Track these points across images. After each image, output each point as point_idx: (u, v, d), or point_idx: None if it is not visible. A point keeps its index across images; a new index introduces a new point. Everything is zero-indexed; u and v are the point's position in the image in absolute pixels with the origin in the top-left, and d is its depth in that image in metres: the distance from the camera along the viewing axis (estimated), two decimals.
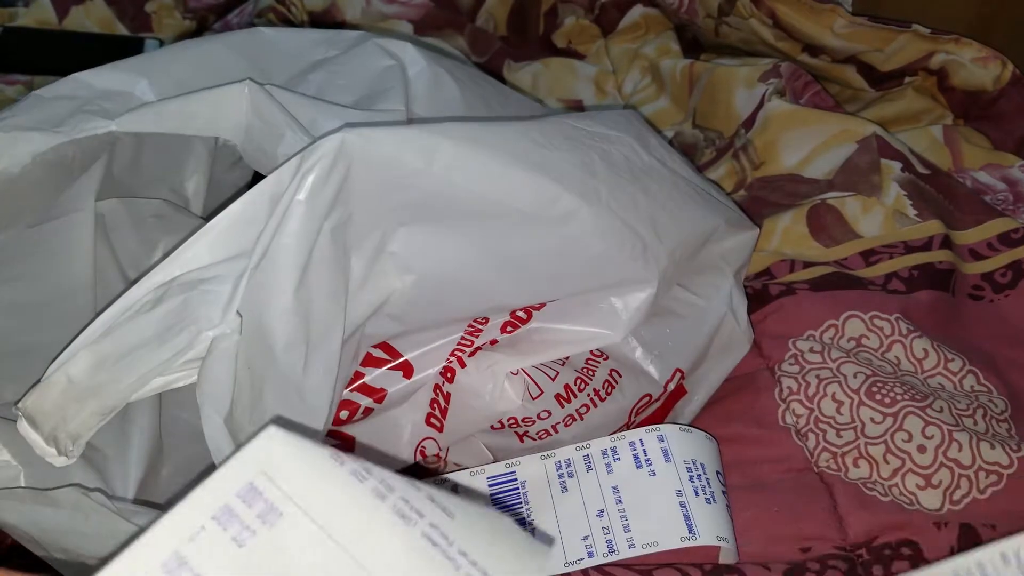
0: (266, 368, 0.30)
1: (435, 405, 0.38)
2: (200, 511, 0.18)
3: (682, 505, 0.36)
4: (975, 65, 0.57)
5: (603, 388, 0.39)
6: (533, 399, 0.38)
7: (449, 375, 0.37)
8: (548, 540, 0.36)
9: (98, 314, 0.30)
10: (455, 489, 0.37)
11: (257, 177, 0.37)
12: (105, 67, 0.37)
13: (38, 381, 0.30)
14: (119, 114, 0.35)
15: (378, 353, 0.38)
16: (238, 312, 0.29)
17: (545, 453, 0.38)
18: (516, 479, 0.38)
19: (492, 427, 0.39)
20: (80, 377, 0.30)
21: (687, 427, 0.39)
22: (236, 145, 0.36)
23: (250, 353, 0.30)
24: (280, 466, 0.19)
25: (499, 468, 0.38)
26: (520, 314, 0.38)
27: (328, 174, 0.30)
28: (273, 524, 0.18)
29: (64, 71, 0.37)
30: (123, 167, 0.43)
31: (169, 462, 0.39)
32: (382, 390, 0.38)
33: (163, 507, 0.38)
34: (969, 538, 0.37)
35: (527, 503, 0.37)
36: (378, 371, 0.38)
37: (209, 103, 0.35)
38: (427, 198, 0.32)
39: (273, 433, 0.19)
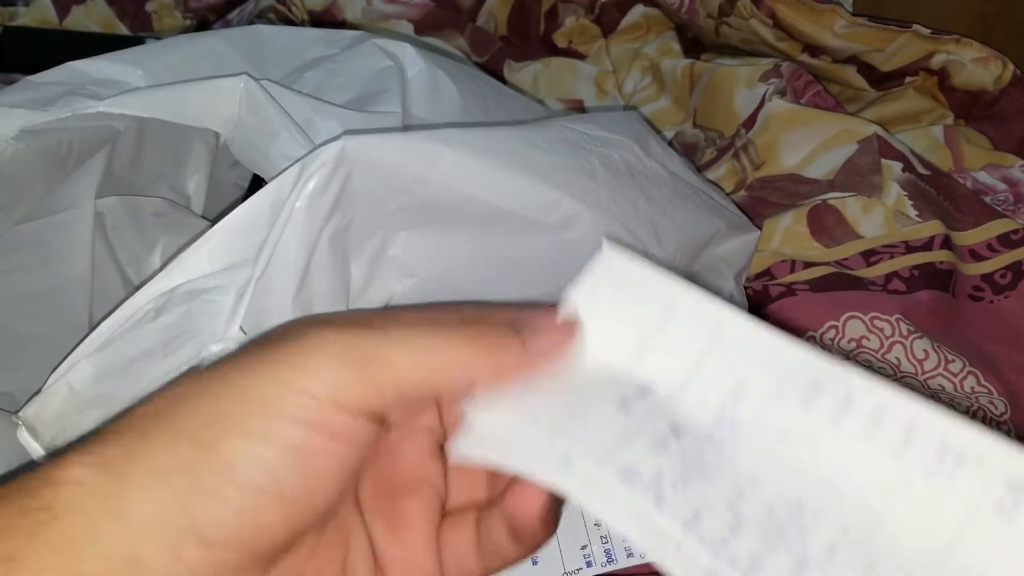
0: None
1: None
2: None
3: None
4: (976, 65, 0.57)
5: None
6: None
7: None
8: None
9: (99, 322, 0.29)
10: None
11: (257, 177, 0.36)
12: (100, 57, 0.36)
13: (39, 391, 0.30)
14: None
15: None
16: (241, 328, 0.29)
17: None
18: None
19: None
20: (82, 387, 0.29)
21: None
22: (224, 138, 0.36)
23: None
24: None
25: None
26: None
27: (328, 182, 0.29)
28: None
29: None
30: (124, 164, 0.43)
31: None
32: None
33: None
34: None
35: None
36: None
37: (202, 93, 0.34)
38: (427, 204, 0.32)
39: None
